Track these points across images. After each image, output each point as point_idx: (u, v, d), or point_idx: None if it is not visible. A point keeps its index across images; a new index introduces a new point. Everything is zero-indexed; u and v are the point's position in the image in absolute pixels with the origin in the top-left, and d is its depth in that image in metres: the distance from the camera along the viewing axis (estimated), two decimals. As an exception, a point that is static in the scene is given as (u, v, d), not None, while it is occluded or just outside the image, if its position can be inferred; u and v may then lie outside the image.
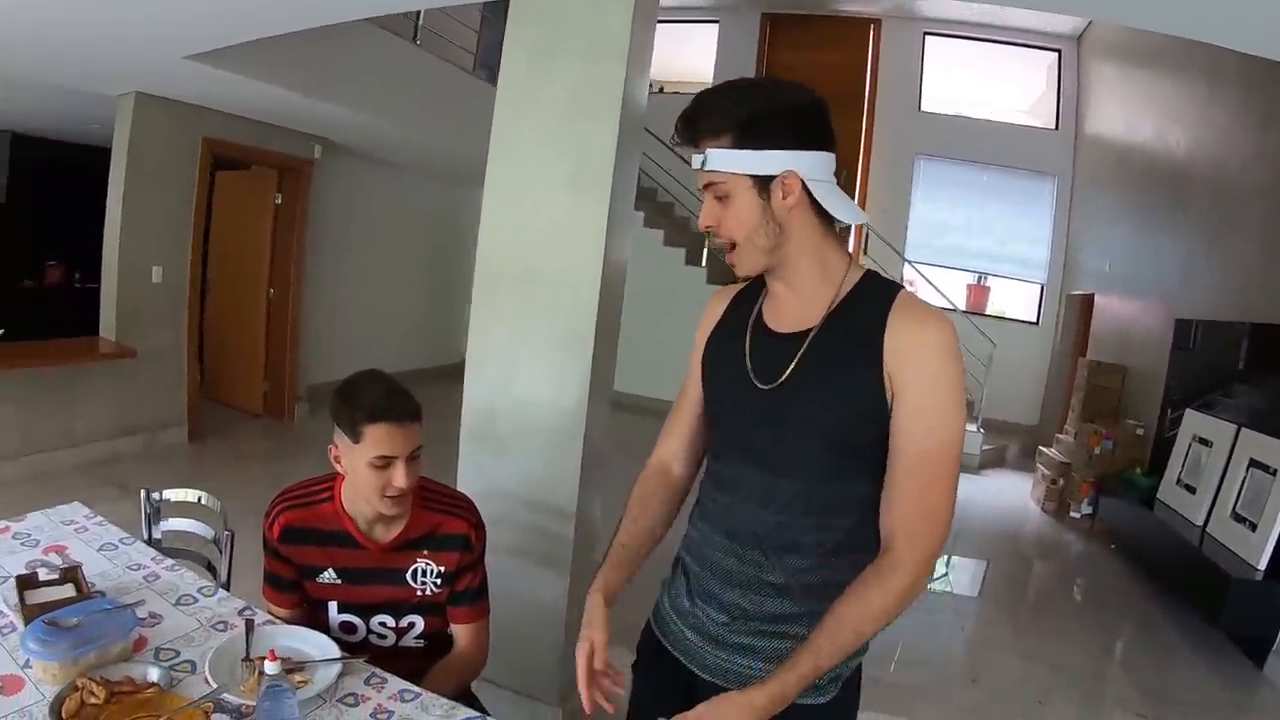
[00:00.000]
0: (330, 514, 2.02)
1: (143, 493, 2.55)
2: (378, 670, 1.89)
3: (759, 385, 1.46)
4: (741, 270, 1.48)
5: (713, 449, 1.61)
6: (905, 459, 1.36)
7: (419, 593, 2.07)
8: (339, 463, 1.96)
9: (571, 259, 2.90)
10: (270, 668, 1.57)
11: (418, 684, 1.84)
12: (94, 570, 2.16)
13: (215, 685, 1.72)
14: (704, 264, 9.31)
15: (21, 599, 1.96)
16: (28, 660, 1.73)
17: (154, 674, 1.75)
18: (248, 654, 1.86)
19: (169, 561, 2.28)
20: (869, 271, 1.50)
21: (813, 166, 1.37)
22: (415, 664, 2.10)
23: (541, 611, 3.00)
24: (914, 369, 1.35)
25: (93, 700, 1.62)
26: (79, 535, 2.36)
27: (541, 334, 2.95)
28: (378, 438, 1.85)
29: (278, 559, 2.04)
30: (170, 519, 2.59)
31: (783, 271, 1.48)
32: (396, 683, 1.86)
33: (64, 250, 5.82)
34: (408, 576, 2.05)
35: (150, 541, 2.52)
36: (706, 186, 1.40)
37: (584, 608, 1.57)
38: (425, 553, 2.05)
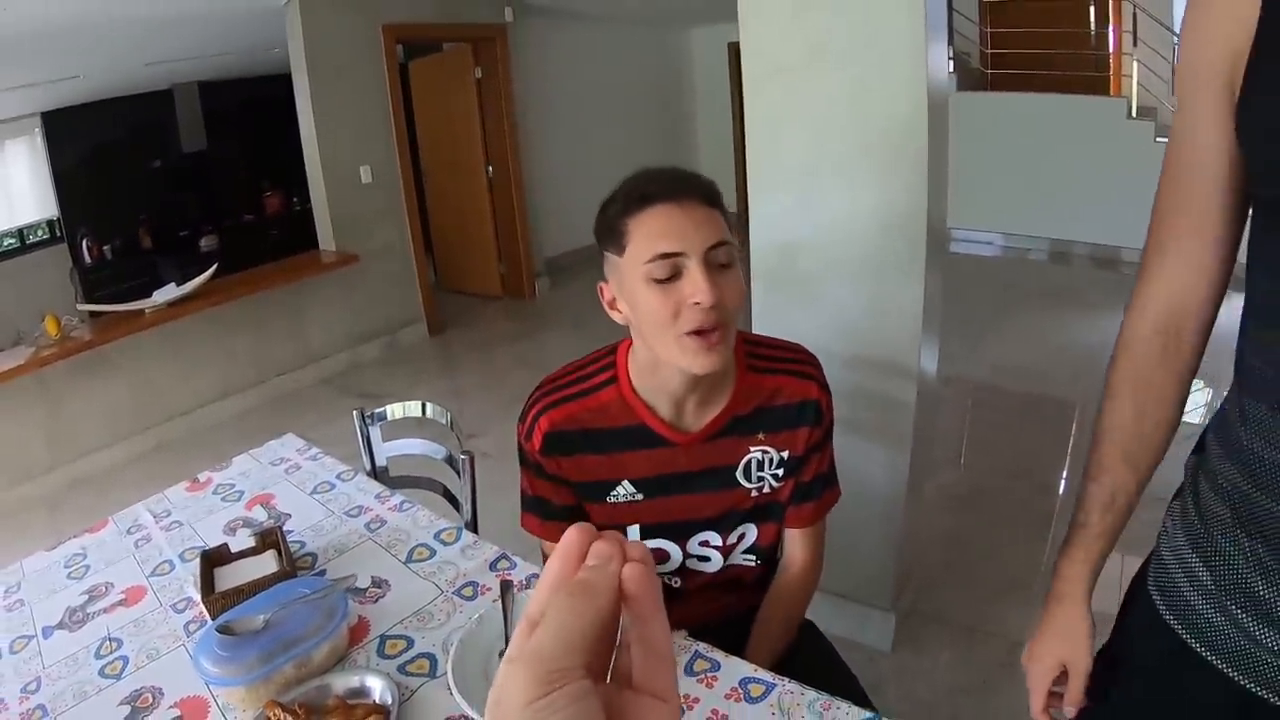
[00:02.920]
0: (614, 402, 1.34)
1: (355, 414, 2.01)
2: (701, 647, 1.25)
3: None
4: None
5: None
6: None
7: (754, 493, 1.39)
8: (615, 309, 1.28)
9: (878, 35, 1.94)
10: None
11: (748, 624, 1.46)
12: (305, 522, 1.71)
13: (463, 701, 1.09)
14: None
15: (208, 580, 1.46)
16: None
17: (376, 688, 1.21)
18: (507, 639, 1.22)
19: (397, 498, 1.76)
20: None
21: None
22: (745, 594, 1.50)
23: (874, 498, 2.33)
24: None
25: None
26: (289, 477, 1.92)
27: (847, 137, 2.07)
28: (650, 229, 1.17)
29: (544, 478, 1.39)
30: (394, 440, 2.07)
31: None
32: (735, 668, 1.21)
33: (277, 178, 5.98)
34: (739, 474, 1.37)
35: (373, 472, 2.00)
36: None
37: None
38: (761, 436, 1.36)
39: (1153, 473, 0.99)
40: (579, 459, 1.36)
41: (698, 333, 1.16)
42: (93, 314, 4.19)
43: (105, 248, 4.65)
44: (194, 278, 4.26)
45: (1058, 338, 4.86)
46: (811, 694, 1.13)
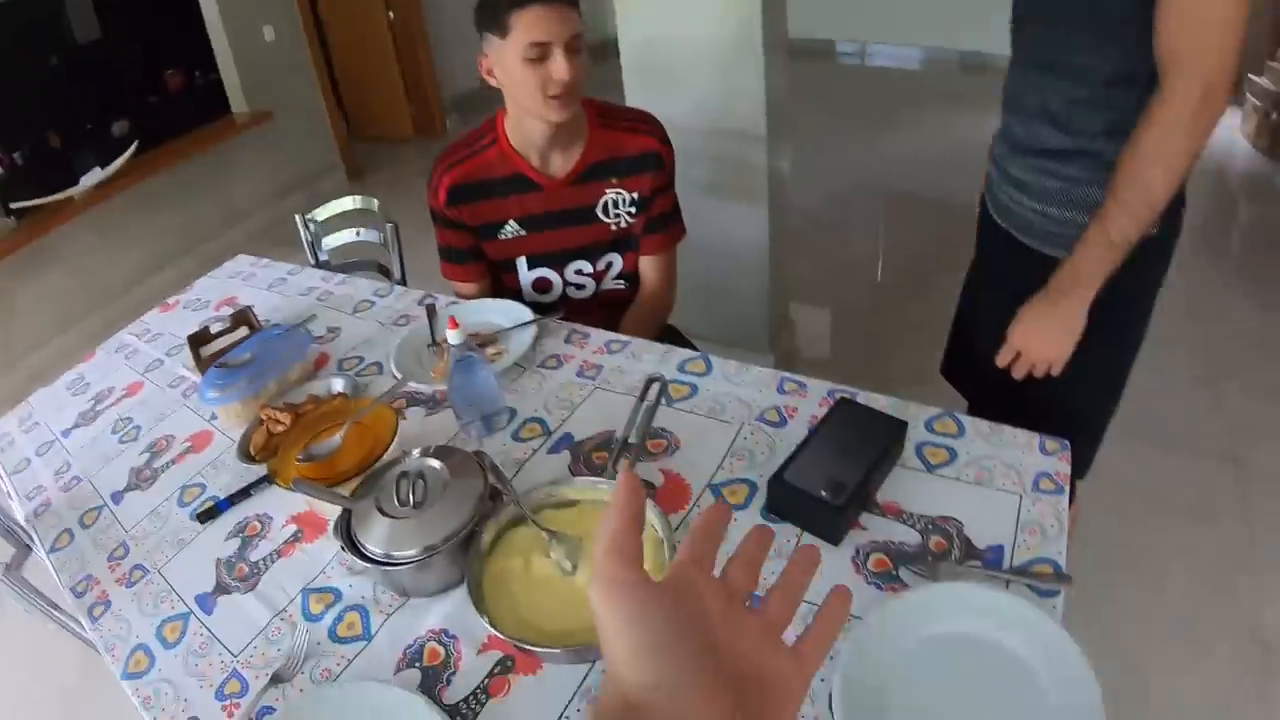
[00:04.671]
0: (497, 157, 1.76)
1: (297, 218, 2.37)
2: (576, 325, 1.70)
3: None
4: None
5: None
6: None
7: (613, 227, 1.83)
8: (491, 76, 1.67)
9: None
10: (453, 337, 1.31)
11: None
12: (266, 308, 2.06)
13: (398, 373, 1.51)
14: None
15: (197, 356, 1.83)
16: (212, 414, 1.66)
17: (338, 384, 1.61)
18: (433, 338, 1.64)
19: (340, 277, 2.13)
20: None
21: None
22: (617, 311, 1.92)
23: (742, 251, 2.79)
24: None
25: (279, 428, 1.50)
26: (247, 283, 2.25)
27: None
28: (528, 22, 1.55)
29: (450, 227, 1.82)
30: (333, 235, 2.44)
31: None
32: (600, 335, 1.67)
33: (178, 54, 5.77)
34: (598, 211, 1.80)
35: (318, 264, 2.40)
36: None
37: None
38: (614, 181, 1.78)
39: None
40: (474, 206, 1.76)
41: (556, 96, 1.57)
42: (21, 214, 4.24)
43: (14, 155, 4.64)
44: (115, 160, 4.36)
45: (954, 136, 5.22)
46: (660, 345, 1.60)
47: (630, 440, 1.27)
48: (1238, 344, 3.04)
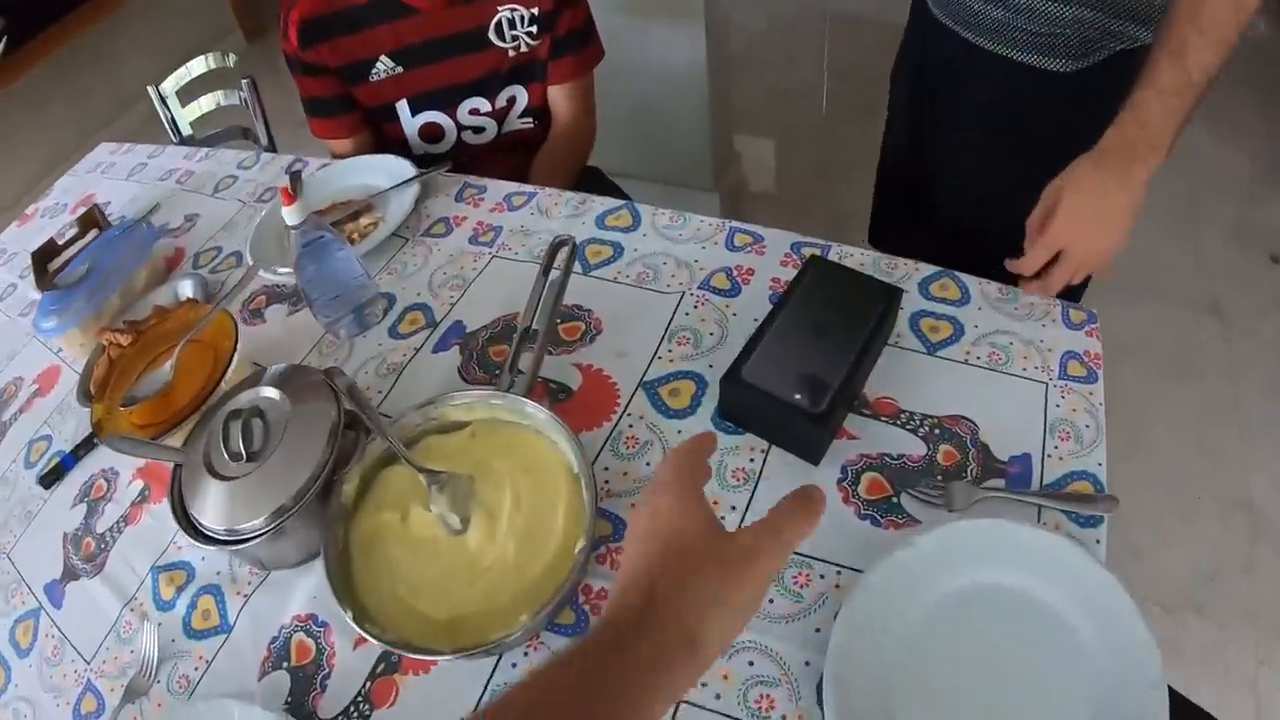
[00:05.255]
0: None
1: (150, 90, 1.96)
2: (470, 178, 1.35)
3: None
4: None
5: None
6: None
7: (511, 53, 1.45)
8: None
9: None
10: (289, 215, 0.97)
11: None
12: (123, 201, 1.72)
13: (261, 267, 1.19)
14: None
15: (44, 275, 1.48)
16: (60, 348, 1.35)
17: (186, 287, 1.28)
18: (299, 214, 1.30)
19: (202, 152, 1.77)
20: None
21: None
22: (529, 157, 1.58)
23: (677, 75, 2.33)
24: None
25: (118, 353, 1.17)
26: (106, 175, 1.89)
27: None
28: None
29: (310, 73, 1.44)
30: (193, 103, 2.05)
31: None
32: (498, 187, 1.32)
33: None
34: (491, 34, 1.42)
35: (182, 141, 2.01)
36: None
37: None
38: None
39: None
40: (334, 43, 1.38)
41: None
42: None
43: None
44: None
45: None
46: (570, 195, 1.24)
47: (534, 328, 0.93)
48: (1217, 190, 2.72)
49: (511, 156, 1.57)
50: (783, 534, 0.53)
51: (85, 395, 1.15)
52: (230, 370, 0.98)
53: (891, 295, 0.92)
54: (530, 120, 1.55)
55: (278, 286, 1.22)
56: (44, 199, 1.92)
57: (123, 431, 0.98)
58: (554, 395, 0.96)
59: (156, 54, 4.73)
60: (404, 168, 1.34)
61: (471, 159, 1.52)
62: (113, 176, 1.84)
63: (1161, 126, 0.90)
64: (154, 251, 1.37)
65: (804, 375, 0.83)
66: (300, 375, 0.91)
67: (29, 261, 1.56)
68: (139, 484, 1.05)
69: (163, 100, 1.99)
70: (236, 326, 1.02)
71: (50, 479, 1.11)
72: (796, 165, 3.00)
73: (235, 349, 0.99)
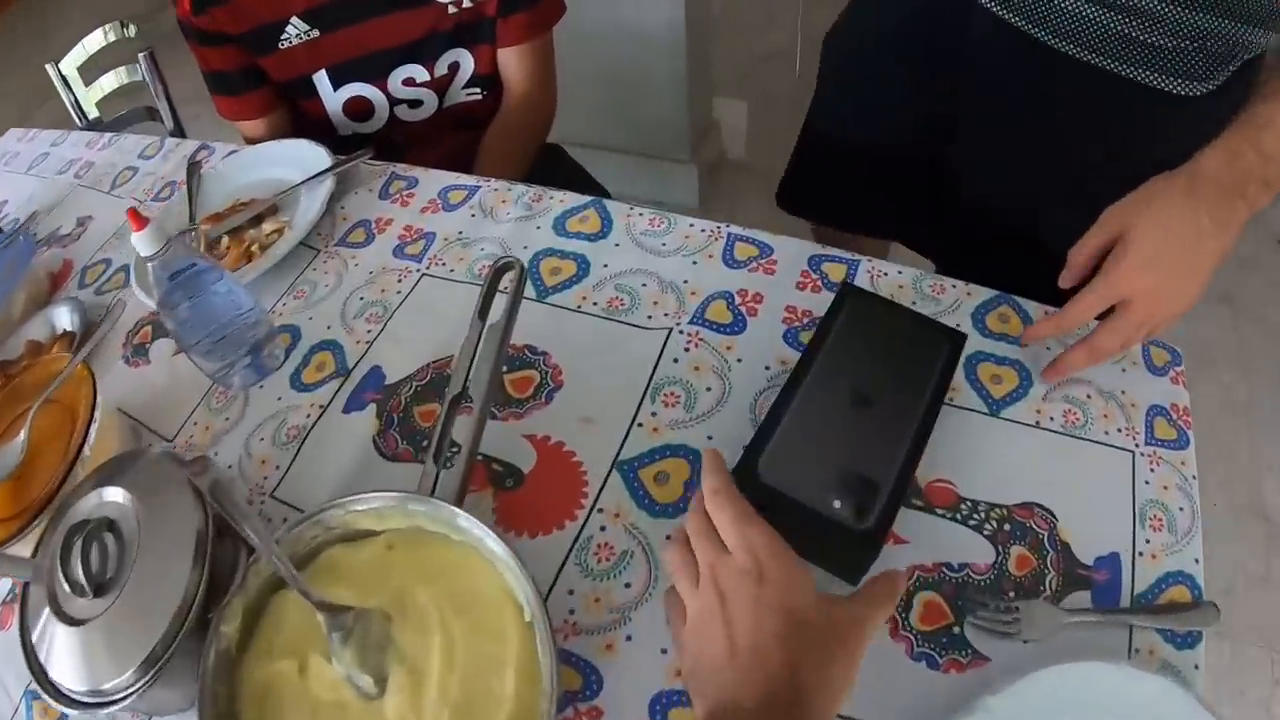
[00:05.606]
0: None
1: (48, 68, 1.70)
2: (399, 167, 1.09)
3: None
4: None
5: None
6: None
7: (451, 8, 1.18)
8: None
9: None
10: (140, 243, 0.74)
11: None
12: (21, 199, 1.46)
13: (141, 293, 0.96)
14: None
15: None
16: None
17: (62, 317, 1.05)
18: (192, 217, 1.05)
19: (105, 138, 1.50)
20: None
21: None
22: (476, 134, 1.31)
23: (654, 35, 2.03)
24: None
25: None
26: (8, 167, 1.62)
27: None
28: None
29: (208, 43, 1.17)
30: (98, 80, 1.78)
31: None
32: (432, 179, 1.06)
33: None
34: None
35: (89, 125, 1.73)
36: None
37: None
38: None
39: None
40: (233, 5, 1.12)
41: None
42: None
43: None
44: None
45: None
46: (521, 188, 0.99)
47: (465, 386, 0.67)
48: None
49: (455, 135, 1.31)
50: (878, 603, 0.51)
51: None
52: (88, 444, 0.75)
53: (954, 343, 0.69)
54: (478, 91, 1.29)
55: (156, 312, 0.97)
56: (-60, 198, 1.69)
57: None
58: (498, 481, 0.72)
59: (90, 25, 4.51)
60: (319, 157, 1.08)
61: (407, 139, 1.28)
62: (14, 169, 1.60)
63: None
64: (34, 268, 1.13)
65: (843, 469, 0.61)
66: (151, 467, 0.68)
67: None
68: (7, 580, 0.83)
69: (64, 81, 1.73)
70: (94, 384, 0.79)
71: None
72: (777, 133, 2.76)
73: (93, 416, 0.76)
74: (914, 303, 0.79)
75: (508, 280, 0.71)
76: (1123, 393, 0.71)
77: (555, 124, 1.39)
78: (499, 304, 0.70)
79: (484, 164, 1.26)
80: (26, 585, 0.67)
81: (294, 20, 1.14)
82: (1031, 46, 0.87)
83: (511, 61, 1.27)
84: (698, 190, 2.33)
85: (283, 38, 1.15)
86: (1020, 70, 0.91)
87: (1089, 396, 0.71)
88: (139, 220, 0.73)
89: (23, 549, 0.72)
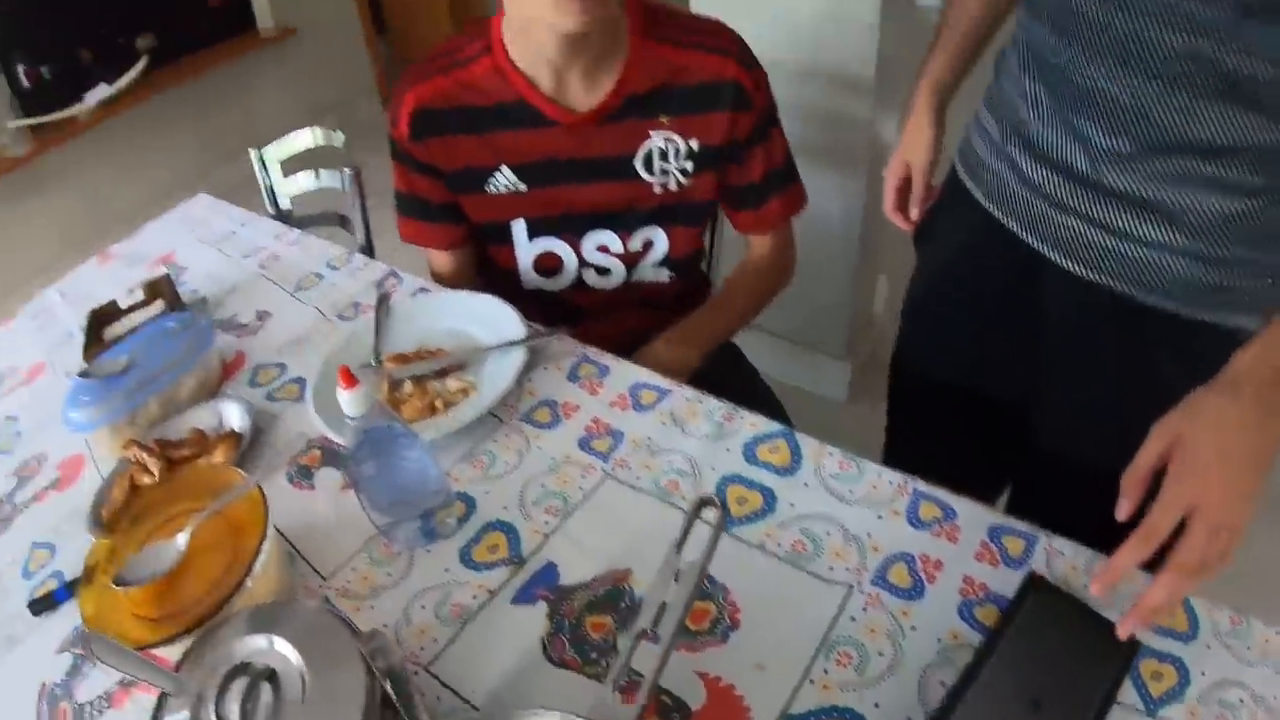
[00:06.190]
0: (490, 74, 1.15)
1: (251, 153, 1.81)
2: (590, 351, 1.10)
3: None
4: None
5: None
6: None
7: (658, 189, 1.20)
8: None
9: None
10: (348, 403, 0.75)
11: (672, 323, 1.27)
12: (202, 272, 1.54)
13: (319, 419, 0.97)
14: None
15: (96, 341, 1.33)
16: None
17: (233, 415, 1.09)
18: (376, 355, 1.08)
19: (295, 234, 1.59)
20: None
21: None
22: (655, 318, 1.31)
23: (826, 230, 2.06)
24: None
25: (146, 480, 1.01)
26: (194, 233, 1.74)
27: None
28: None
29: (417, 170, 1.22)
30: (295, 175, 1.87)
31: None
32: (623, 372, 1.06)
33: None
34: (638, 163, 1.18)
35: (278, 214, 1.83)
36: None
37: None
38: (663, 120, 1.16)
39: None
40: (451, 141, 1.18)
41: None
42: (33, 132, 3.97)
43: (42, 69, 4.31)
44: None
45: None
46: (712, 402, 0.98)
47: (652, 628, 0.64)
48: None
49: (637, 314, 1.33)
50: None
51: (97, 522, 0.97)
52: (252, 575, 0.75)
53: (1130, 650, 0.67)
54: (666, 273, 1.31)
55: (338, 446, 0.99)
56: (129, 240, 1.79)
57: (117, 625, 0.76)
58: (665, 714, 0.70)
59: (290, 103, 4.90)
60: (511, 322, 1.10)
61: (589, 308, 1.31)
62: (200, 237, 1.69)
63: None
64: (209, 354, 1.17)
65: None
66: (320, 623, 0.66)
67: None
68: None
69: (263, 165, 1.84)
70: (267, 512, 0.79)
71: (40, 607, 0.92)
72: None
73: (261, 545, 0.77)
74: (1085, 584, 0.76)
75: (707, 522, 0.70)
76: (1275, 698, 0.67)
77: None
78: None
79: (703, 308, 1.30)
80: (164, 695, 0.66)
81: (504, 169, 1.19)
82: (1112, 299, 0.88)
83: (759, 239, 1.32)
84: (848, 385, 2.32)
85: (490, 182, 1.20)
86: (1102, 322, 0.92)
87: (1241, 701, 0.67)
88: (350, 379, 0.75)
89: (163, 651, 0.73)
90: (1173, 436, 0.69)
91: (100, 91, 3.90)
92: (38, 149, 3.71)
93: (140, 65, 4.03)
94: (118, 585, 0.76)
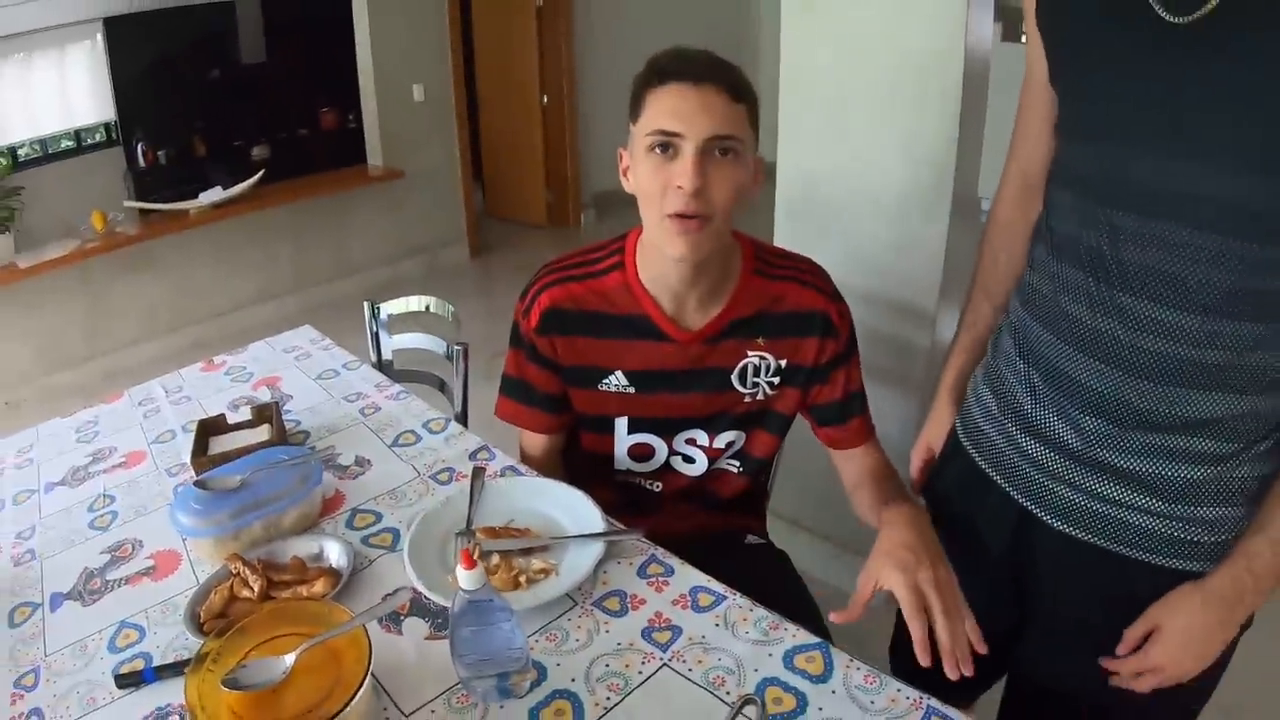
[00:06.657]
0: (619, 288, 1.32)
1: (365, 305, 2.00)
2: (659, 552, 1.22)
3: (1167, 17, 0.83)
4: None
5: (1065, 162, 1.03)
6: None
7: (747, 399, 1.37)
8: (625, 176, 1.27)
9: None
10: (465, 579, 0.89)
11: (721, 547, 1.43)
12: (304, 404, 1.71)
13: (412, 573, 1.09)
14: None
15: (202, 450, 1.49)
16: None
17: (334, 553, 1.20)
18: (469, 523, 1.22)
19: (396, 388, 1.75)
20: None
21: None
22: (720, 515, 1.49)
23: (885, 446, 2.14)
24: None
25: (245, 594, 1.13)
26: (298, 363, 1.92)
27: (879, 68, 1.95)
28: (660, 105, 1.15)
29: (534, 360, 1.37)
30: (400, 335, 2.06)
31: None
32: (686, 575, 1.18)
33: (335, 94, 5.84)
34: (734, 378, 1.35)
35: (379, 365, 2.00)
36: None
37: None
38: (761, 341, 1.33)
39: (1004, 300, 1.19)
40: (574, 340, 1.34)
41: (679, 216, 1.14)
42: (142, 214, 4.25)
43: (160, 153, 4.62)
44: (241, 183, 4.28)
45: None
46: (761, 611, 1.10)
47: None
48: None
49: (706, 515, 1.47)
50: None
51: (194, 621, 1.08)
52: (351, 707, 0.87)
53: None
54: (737, 465, 1.45)
55: (425, 599, 1.11)
56: (234, 354, 1.96)
57: (213, 716, 0.87)
58: None
59: (385, 239, 5.24)
60: (592, 516, 1.23)
61: (663, 502, 1.45)
62: (303, 369, 1.86)
63: (1271, 574, 0.93)
64: (316, 491, 1.31)
65: None
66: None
67: (200, 416, 1.58)
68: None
69: (375, 315, 2.03)
70: (370, 654, 0.91)
71: (126, 682, 1.01)
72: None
73: (364, 681, 0.89)
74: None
75: (748, 710, 0.83)
76: None
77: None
78: None
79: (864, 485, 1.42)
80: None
81: (619, 372, 1.34)
82: (1098, 553, 1.02)
83: (852, 456, 1.44)
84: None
85: (604, 382, 1.35)
86: (1089, 571, 1.05)
87: None
88: (470, 561, 0.89)
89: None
90: (1156, 621, 0.97)
91: (215, 194, 4.20)
92: (145, 233, 3.97)
93: (256, 178, 4.36)
94: (227, 685, 0.88)
